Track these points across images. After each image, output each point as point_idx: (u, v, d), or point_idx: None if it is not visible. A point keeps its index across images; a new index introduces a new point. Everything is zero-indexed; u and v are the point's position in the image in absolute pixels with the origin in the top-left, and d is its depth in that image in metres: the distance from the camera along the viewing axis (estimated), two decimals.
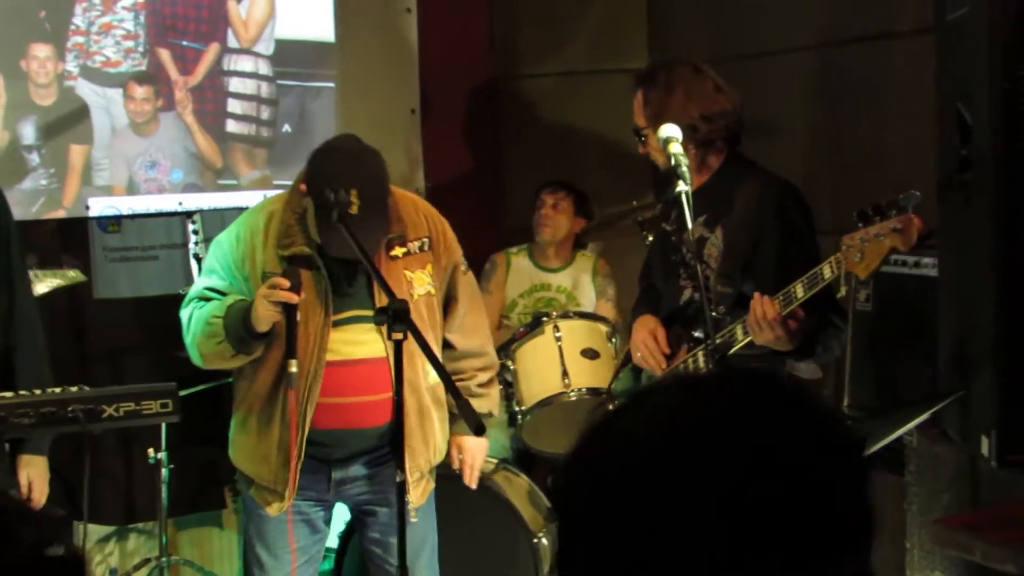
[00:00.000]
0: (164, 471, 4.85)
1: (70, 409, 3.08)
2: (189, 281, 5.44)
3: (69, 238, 5.41)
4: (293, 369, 3.40)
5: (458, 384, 3.50)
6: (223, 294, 3.61)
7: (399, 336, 3.04)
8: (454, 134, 6.38)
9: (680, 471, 1.02)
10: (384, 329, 3.19)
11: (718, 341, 3.49)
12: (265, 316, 3.43)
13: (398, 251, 3.62)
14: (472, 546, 4.50)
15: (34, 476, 3.62)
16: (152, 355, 5.37)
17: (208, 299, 3.62)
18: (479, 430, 3.04)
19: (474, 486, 4.05)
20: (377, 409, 3.55)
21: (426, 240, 3.68)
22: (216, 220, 5.68)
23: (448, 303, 3.80)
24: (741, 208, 3.67)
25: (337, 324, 3.53)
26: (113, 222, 5.49)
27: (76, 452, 3.72)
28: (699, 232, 3.70)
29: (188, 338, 3.65)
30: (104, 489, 5.27)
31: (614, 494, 1.05)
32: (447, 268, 3.75)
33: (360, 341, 3.56)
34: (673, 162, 3.44)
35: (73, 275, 4.84)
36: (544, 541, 4.60)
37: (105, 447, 5.21)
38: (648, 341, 3.85)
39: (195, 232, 5.55)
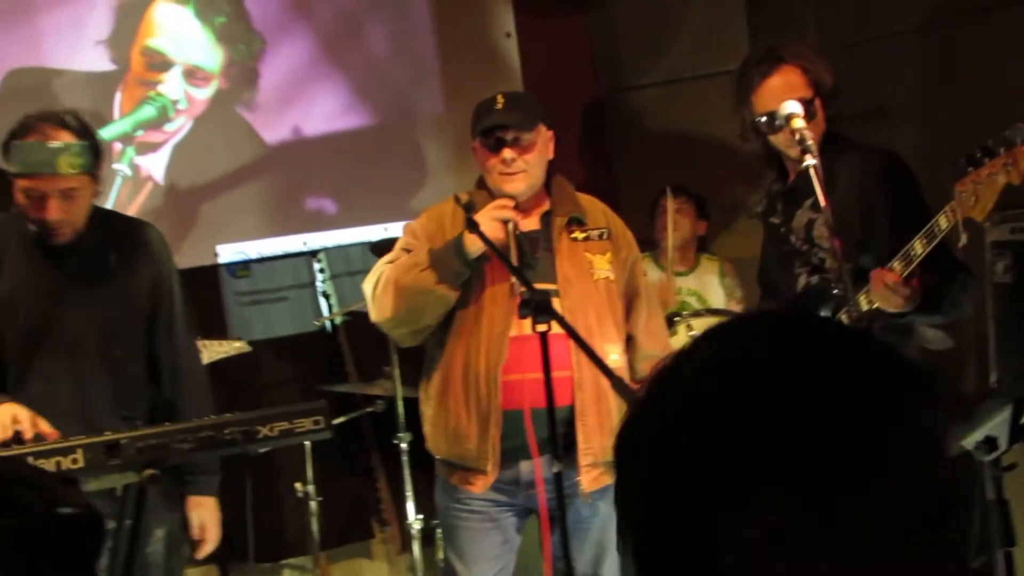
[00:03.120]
0: (313, 504, 4.93)
1: (227, 432, 3.15)
2: (319, 318, 5.56)
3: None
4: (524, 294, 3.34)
5: None
6: None
7: (543, 327, 3.08)
8: (563, 153, 6.35)
9: (720, 423, 1.07)
10: (561, 303, 3.31)
11: (844, 318, 3.46)
12: (489, 228, 3.47)
13: (579, 234, 3.71)
14: None
15: (206, 518, 3.72)
16: (291, 393, 5.47)
17: None
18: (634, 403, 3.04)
19: None
20: (557, 388, 3.40)
21: (605, 231, 3.76)
22: (340, 257, 5.81)
23: (631, 300, 3.81)
24: (845, 184, 3.63)
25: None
26: (242, 267, 5.62)
27: (227, 491, 3.82)
28: (807, 216, 3.69)
29: (378, 288, 3.65)
30: (255, 526, 5.37)
31: (661, 444, 1.10)
32: (627, 261, 3.79)
33: None
34: (798, 137, 3.44)
35: (239, 345, 4.97)
36: None
37: (252, 484, 5.31)
38: None
39: (321, 271, 5.67)
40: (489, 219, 3.52)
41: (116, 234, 3.69)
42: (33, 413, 3.36)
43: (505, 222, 3.52)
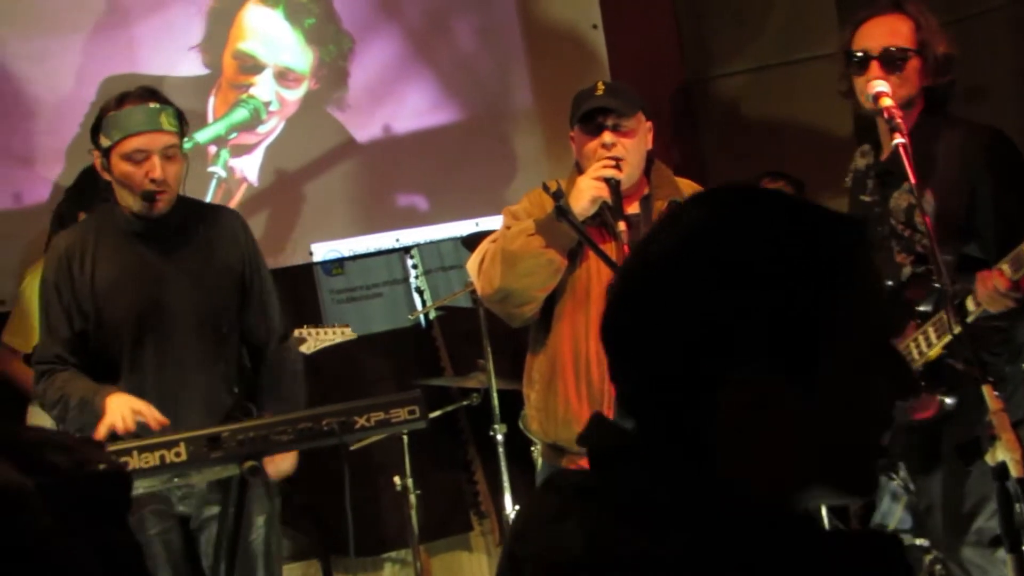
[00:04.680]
0: (412, 497, 4.96)
1: (325, 423, 3.20)
2: (413, 313, 5.60)
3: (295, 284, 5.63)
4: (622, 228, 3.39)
5: None
6: None
7: None
8: (655, 143, 6.43)
9: (677, 285, 1.20)
10: None
11: (945, 317, 3.30)
12: (592, 187, 3.47)
13: None
14: None
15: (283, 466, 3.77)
16: (388, 388, 5.52)
17: None
18: None
19: None
20: None
21: None
22: (433, 252, 5.85)
23: None
24: (945, 165, 3.46)
25: None
26: (336, 265, 5.69)
27: (327, 486, 3.86)
28: (906, 200, 3.52)
29: (485, 261, 3.64)
30: (355, 521, 5.41)
31: (639, 293, 1.24)
32: None
33: None
34: (887, 115, 3.34)
35: (344, 331, 5.03)
36: None
37: (351, 477, 5.36)
38: None
39: (414, 267, 5.72)
40: (593, 178, 3.50)
41: (201, 216, 3.80)
42: (148, 404, 3.45)
43: (607, 180, 3.50)
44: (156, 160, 3.54)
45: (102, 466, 1.10)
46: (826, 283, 1.18)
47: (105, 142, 3.57)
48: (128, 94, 3.61)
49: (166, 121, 3.57)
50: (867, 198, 3.73)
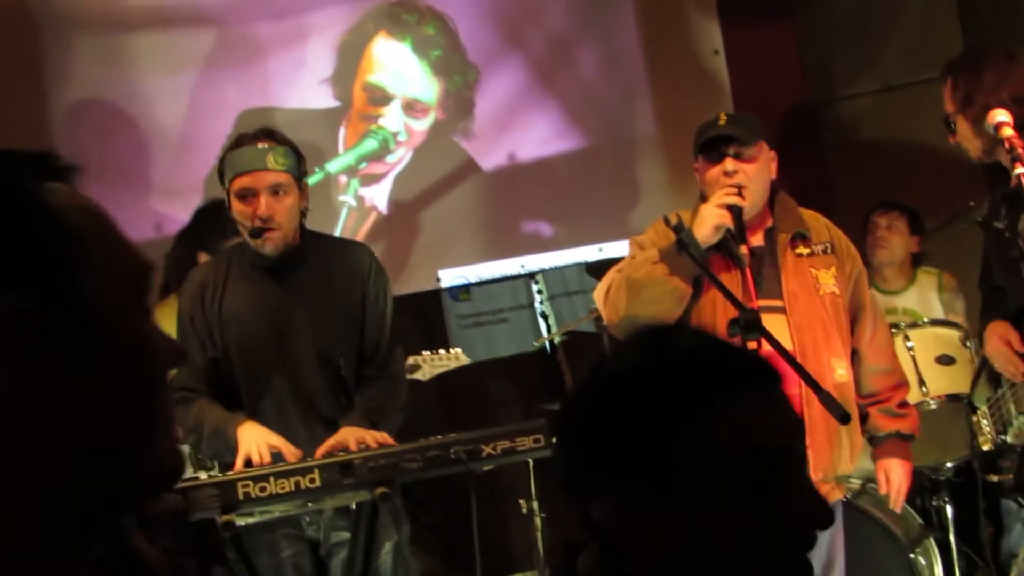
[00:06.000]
0: (537, 520, 5.03)
1: (452, 451, 3.30)
2: (538, 339, 5.69)
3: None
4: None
5: (878, 407, 3.65)
6: None
7: (753, 345, 3.10)
8: (777, 168, 6.43)
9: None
10: (787, 319, 3.34)
11: None
12: (715, 215, 3.51)
13: (803, 249, 3.69)
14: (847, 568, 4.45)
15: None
16: (514, 411, 5.61)
17: None
18: (844, 419, 3.05)
19: (898, 510, 3.96)
20: None
21: (828, 245, 3.73)
22: (557, 278, 5.93)
23: (856, 314, 3.78)
24: None
25: None
26: (463, 291, 5.80)
27: (455, 509, 3.95)
28: None
29: (611, 290, 3.68)
30: (481, 543, 5.50)
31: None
32: (852, 275, 3.76)
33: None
34: (1008, 146, 3.36)
35: (458, 356, 5.12)
36: (920, 559, 4.50)
37: (478, 501, 5.46)
38: (1002, 349, 3.74)
39: (539, 292, 5.80)
40: (715, 205, 3.53)
41: (330, 251, 3.91)
42: (281, 437, 3.57)
43: (730, 207, 3.52)
44: (262, 198, 3.66)
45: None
46: (698, 410, 1.35)
47: (224, 182, 3.74)
48: (245, 135, 3.76)
49: (273, 160, 3.68)
50: (999, 224, 3.79)
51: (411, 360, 4.94)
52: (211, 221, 4.61)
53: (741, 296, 3.47)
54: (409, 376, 4.87)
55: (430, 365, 5.03)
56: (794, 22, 6.57)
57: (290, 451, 3.52)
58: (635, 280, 3.59)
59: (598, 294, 3.78)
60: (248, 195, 3.68)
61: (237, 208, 3.72)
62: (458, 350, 5.13)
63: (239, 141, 3.75)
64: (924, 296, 5.49)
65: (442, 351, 5.11)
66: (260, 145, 3.70)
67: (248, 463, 3.51)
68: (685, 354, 1.42)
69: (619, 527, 1.36)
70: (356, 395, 3.79)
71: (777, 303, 3.57)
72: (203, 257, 4.54)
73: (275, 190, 3.68)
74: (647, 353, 1.44)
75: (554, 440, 1.62)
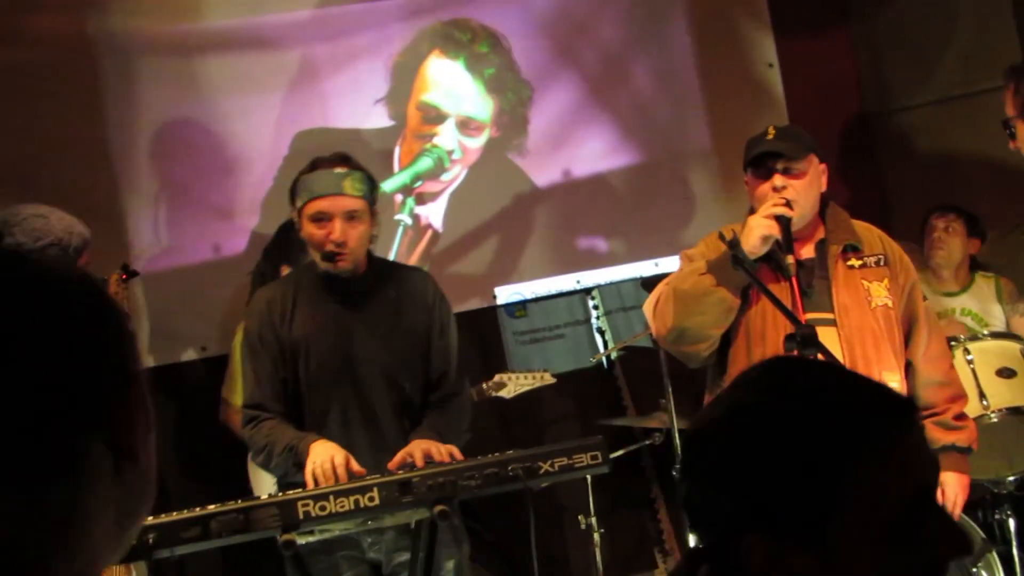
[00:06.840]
0: (596, 536, 5.04)
1: (510, 468, 3.31)
2: (595, 354, 5.69)
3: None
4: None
5: (934, 419, 3.64)
6: None
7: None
8: (833, 178, 6.41)
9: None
10: (838, 332, 3.34)
11: None
12: (763, 225, 3.53)
13: (855, 261, 3.69)
14: None
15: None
16: (572, 427, 5.61)
17: None
18: None
19: None
20: None
21: (881, 257, 3.72)
22: (613, 293, 5.93)
23: (910, 326, 3.77)
24: None
25: None
26: (519, 307, 5.82)
27: (515, 525, 3.96)
28: None
29: (659, 303, 3.70)
30: (540, 559, 5.51)
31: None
32: (905, 287, 3.75)
33: None
34: None
35: (545, 376, 5.14)
36: (983, 572, 4.45)
37: (537, 517, 5.47)
38: None
39: (595, 308, 5.81)
40: (763, 216, 3.54)
41: (393, 277, 3.95)
42: (348, 454, 3.59)
43: (778, 218, 3.53)
44: (338, 223, 3.70)
45: None
46: (852, 458, 1.29)
47: (297, 203, 3.77)
48: (322, 159, 3.80)
49: (349, 185, 3.72)
50: None
51: (497, 378, 5.00)
52: (295, 236, 4.68)
53: (790, 307, 3.47)
54: (495, 393, 4.95)
55: (515, 384, 5.07)
56: (849, 33, 6.55)
57: (355, 469, 3.54)
58: (682, 291, 3.60)
59: (647, 307, 3.78)
60: (323, 219, 3.72)
61: (309, 231, 3.75)
62: (547, 373, 5.14)
63: (315, 164, 3.79)
64: (984, 300, 5.47)
65: (529, 373, 5.13)
66: (337, 170, 3.74)
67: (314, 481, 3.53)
68: (838, 391, 1.37)
69: (754, 563, 1.31)
70: (424, 418, 3.83)
71: (828, 316, 3.56)
72: (285, 270, 4.60)
73: (350, 216, 3.73)
74: (789, 390, 1.38)
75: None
